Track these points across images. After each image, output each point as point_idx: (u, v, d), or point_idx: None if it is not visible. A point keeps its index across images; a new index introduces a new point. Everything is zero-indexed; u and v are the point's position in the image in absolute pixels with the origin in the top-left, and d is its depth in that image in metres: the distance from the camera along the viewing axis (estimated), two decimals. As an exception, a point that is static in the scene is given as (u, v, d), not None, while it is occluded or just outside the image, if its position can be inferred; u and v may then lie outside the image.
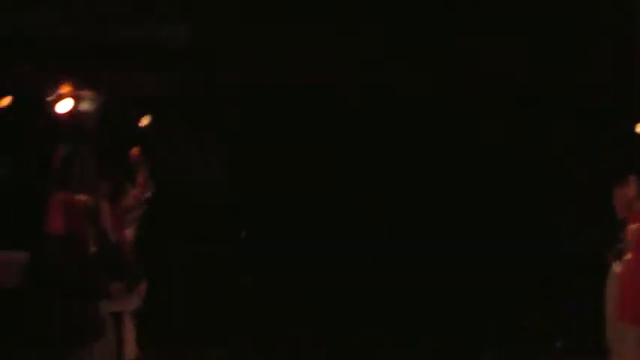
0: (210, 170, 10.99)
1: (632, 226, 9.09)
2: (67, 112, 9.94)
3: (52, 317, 6.33)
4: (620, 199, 8.96)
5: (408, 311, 11.16)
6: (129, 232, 8.63)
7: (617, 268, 9.00)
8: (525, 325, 11.32)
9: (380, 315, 11.12)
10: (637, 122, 9.71)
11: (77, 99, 10.04)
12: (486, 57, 11.03)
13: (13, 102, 9.52)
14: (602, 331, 9.42)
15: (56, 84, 9.58)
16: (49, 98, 9.70)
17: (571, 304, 11.17)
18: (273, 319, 11.06)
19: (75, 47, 8.82)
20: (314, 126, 11.26)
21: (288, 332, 11.03)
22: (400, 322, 11.02)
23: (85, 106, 10.16)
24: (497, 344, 11.16)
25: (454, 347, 11.05)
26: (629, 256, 9.12)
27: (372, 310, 11.15)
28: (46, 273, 6.36)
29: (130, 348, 9.08)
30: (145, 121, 9.54)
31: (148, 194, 9.23)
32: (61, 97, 9.80)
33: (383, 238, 11.50)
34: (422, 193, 11.39)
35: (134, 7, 10.11)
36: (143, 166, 9.18)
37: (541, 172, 11.26)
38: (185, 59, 9.78)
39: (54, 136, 9.78)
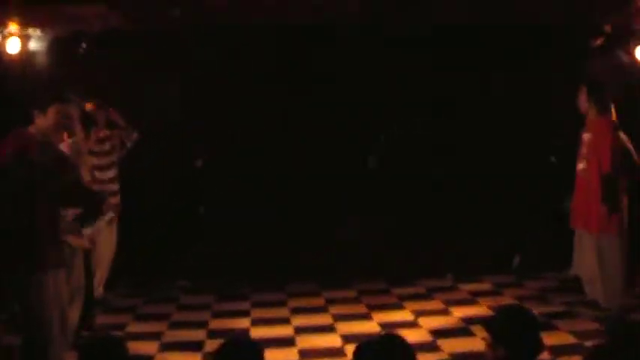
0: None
1: (585, 135, 9.32)
2: (17, 52, 9.86)
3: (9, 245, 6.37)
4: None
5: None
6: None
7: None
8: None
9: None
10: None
11: (26, 38, 9.96)
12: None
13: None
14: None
15: (3, 23, 9.49)
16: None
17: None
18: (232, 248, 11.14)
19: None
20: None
21: (247, 259, 11.12)
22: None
23: (34, 44, 10.08)
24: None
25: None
26: (581, 165, 9.35)
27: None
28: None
29: (98, 283, 9.25)
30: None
31: (134, 136, 9.47)
32: (9, 36, 9.71)
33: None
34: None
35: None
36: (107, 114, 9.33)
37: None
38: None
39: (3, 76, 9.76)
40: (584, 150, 9.32)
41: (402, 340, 4.54)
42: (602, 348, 4.54)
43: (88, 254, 8.38)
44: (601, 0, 9.27)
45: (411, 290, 10.87)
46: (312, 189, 11.20)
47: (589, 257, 9.31)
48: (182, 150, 11.11)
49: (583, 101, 9.31)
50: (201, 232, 11.15)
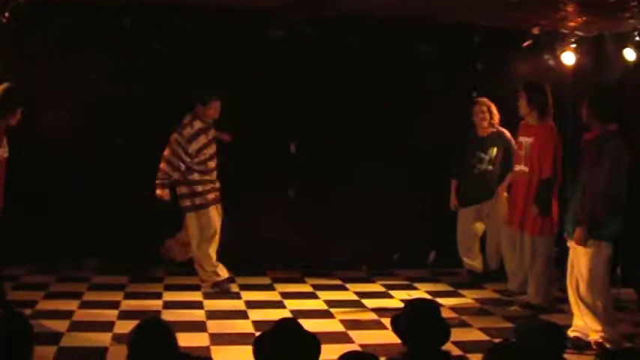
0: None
1: (524, 139, 9.45)
2: None
3: None
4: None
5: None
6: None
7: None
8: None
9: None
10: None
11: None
12: None
13: None
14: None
15: None
16: None
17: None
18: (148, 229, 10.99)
19: None
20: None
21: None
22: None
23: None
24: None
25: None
26: (519, 167, 9.48)
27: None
28: None
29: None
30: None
31: None
32: None
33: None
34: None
35: None
36: None
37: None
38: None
39: None
40: (522, 152, 9.46)
41: (299, 327, 4.53)
42: (502, 345, 4.56)
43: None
44: (530, 4, 9.32)
45: (325, 280, 10.90)
46: (236, 176, 11.09)
47: (526, 256, 9.48)
48: (106, 127, 10.89)
49: (523, 105, 9.42)
50: (120, 212, 10.94)
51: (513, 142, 10.31)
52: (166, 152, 9.90)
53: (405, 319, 4.94)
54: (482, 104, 10.73)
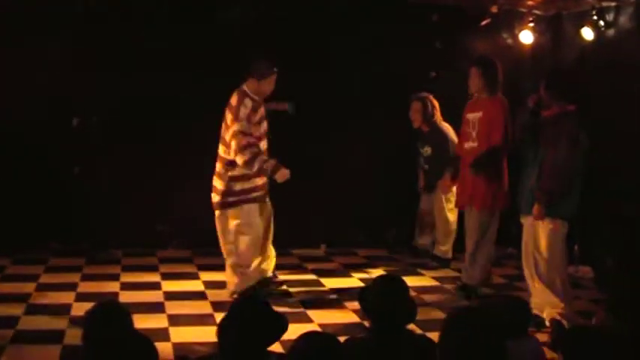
0: None
1: (472, 115, 9.34)
2: None
3: None
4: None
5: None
6: None
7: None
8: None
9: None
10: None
11: None
12: None
13: None
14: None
15: None
16: None
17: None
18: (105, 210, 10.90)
19: None
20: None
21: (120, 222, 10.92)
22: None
23: None
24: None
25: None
26: (469, 145, 9.36)
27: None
28: None
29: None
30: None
31: None
32: None
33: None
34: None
35: None
36: None
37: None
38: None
39: None
40: (469, 129, 9.33)
41: (261, 305, 4.52)
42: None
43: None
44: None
45: (283, 259, 10.87)
46: (187, 152, 11.00)
47: (471, 232, 9.36)
48: (58, 109, 10.76)
49: (475, 81, 9.27)
50: (75, 193, 10.84)
51: (450, 135, 10.52)
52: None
53: (374, 295, 4.91)
54: (417, 101, 10.73)
